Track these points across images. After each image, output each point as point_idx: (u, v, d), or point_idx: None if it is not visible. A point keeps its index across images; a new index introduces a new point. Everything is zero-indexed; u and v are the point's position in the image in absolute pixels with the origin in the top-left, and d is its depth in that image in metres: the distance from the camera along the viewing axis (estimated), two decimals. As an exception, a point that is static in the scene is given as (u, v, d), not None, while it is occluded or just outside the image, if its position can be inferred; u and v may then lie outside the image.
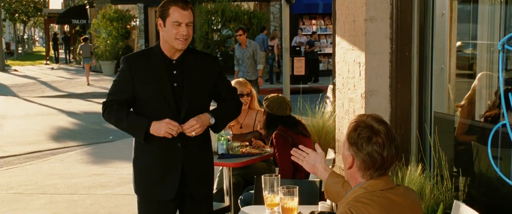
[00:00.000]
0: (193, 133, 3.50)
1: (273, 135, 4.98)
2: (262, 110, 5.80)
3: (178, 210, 3.78)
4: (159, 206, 3.65)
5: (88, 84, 22.10)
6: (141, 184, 3.67)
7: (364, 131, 2.45)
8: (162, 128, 3.43)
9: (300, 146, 3.05)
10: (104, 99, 3.66)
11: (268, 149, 5.35)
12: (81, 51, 22.22)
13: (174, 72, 3.55)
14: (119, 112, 3.54)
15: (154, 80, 3.52)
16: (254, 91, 5.84)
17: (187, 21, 3.47)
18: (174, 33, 3.45)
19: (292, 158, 3.08)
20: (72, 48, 36.22)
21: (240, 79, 5.92)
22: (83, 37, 23.85)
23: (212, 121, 3.59)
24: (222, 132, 5.18)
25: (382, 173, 2.48)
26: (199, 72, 3.59)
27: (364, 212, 2.38)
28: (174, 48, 3.51)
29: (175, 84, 3.53)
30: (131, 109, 3.63)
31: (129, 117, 3.52)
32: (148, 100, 3.54)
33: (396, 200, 2.46)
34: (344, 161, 2.55)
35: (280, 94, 5.29)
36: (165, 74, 3.53)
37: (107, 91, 3.71)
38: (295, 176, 4.87)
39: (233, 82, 5.78)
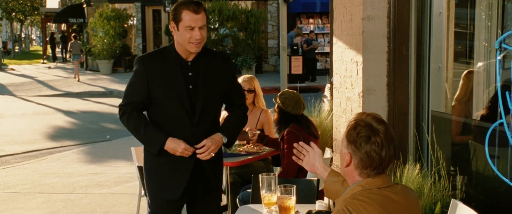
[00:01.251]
0: (206, 157, 3.56)
1: (285, 132, 4.95)
2: (267, 109, 5.77)
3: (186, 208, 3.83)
4: (167, 205, 3.69)
5: (78, 80, 22.18)
6: (150, 184, 3.71)
7: (363, 129, 2.44)
8: (178, 151, 3.49)
9: (301, 143, 3.03)
10: (121, 102, 3.65)
11: (267, 148, 5.33)
12: (71, 49, 22.42)
13: (190, 74, 3.57)
14: (137, 121, 3.56)
15: (169, 81, 3.53)
16: (259, 89, 5.77)
17: (200, 24, 3.45)
18: (187, 37, 3.44)
19: (293, 157, 3.06)
20: (69, 47, 36.25)
21: (246, 76, 5.86)
22: (73, 34, 24.05)
23: (225, 140, 3.64)
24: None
25: (379, 172, 2.47)
26: (213, 74, 3.62)
27: (361, 209, 2.37)
28: (188, 51, 3.53)
29: (190, 86, 3.55)
30: (147, 109, 3.67)
31: (146, 129, 3.54)
32: (162, 100, 3.55)
33: (393, 198, 2.46)
34: (341, 158, 2.55)
35: (295, 92, 5.23)
36: (181, 75, 3.54)
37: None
38: (298, 175, 4.86)
39: (239, 79, 5.75)
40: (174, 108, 3.53)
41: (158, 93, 3.54)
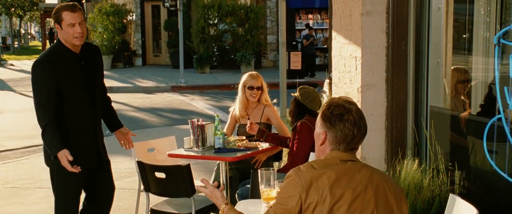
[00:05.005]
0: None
1: (299, 123, 4.98)
2: (270, 103, 5.78)
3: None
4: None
5: None
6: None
7: (336, 109, 2.64)
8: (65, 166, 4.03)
9: (202, 180, 3.07)
10: (39, 113, 4.12)
11: (264, 145, 5.33)
12: None
13: (82, 63, 4.17)
14: (55, 132, 4.06)
15: (71, 73, 4.11)
16: (265, 85, 5.76)
17: (79, 20, 4.04)
18: (71, 33, 4.03)
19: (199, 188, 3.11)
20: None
21: (253, 72, 5.85)
22: None
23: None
24: (219, 126, 5.19)
25: (351, 148, 2.64)
26: (96, 62, 4.30)
27: (313, 172, 2.52)
28: (74, 44, 4.09)
29: (86, 73, 4.18)
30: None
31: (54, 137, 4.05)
32: (69, 90, 4.09)
33: (354, 172, 2.57)
34: (316, 139, 2.72)
35: (315, 89, 5.26)
36: (78, 66, 4.14)
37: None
38: None
39: (245, 75, 5.76)
40: (79, 93, 4.14)
41: (64, 85, 4.06)
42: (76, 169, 4.00)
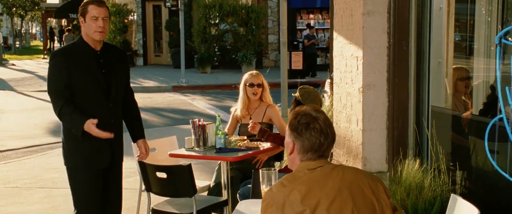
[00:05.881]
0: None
1: None
2: (273, 104, 5.78)
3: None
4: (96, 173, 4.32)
5: None
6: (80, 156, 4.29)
7: (303, 117, 2.65)
8: (94, 131, 4.03)
9: None
10: (50, 94, 4.17)
11: (265, 145, 5.33)
12: (64, 42, 22.74)
13: (101, 60, 4.18)
14: (65, 109, 4.10)
15: (87, 68, 4.12)
16: (266, 83, 5.77)
17: (103, 16, 4.11)
18: (93, 26, 4.08)
19: None
20: (69, 42, 36.34)
21: (254, 71, 5.87)
22: (67, 28, 24.29)
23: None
24: (220, 126, 5.19)
25: (320, 155, 2.65)
26: (117, 62, 4.29)
27: (283, 191, 2.53)
28: (94, 40, 4.13)
29: (103, 71, 4.17)
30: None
31: (72, 116, 4.08)
32: (83, 85, 4.10)
33: (324, 178, 2.57)
34: (286, 147, 2.74)
35: (315, 89, 5.25)
36: (95, 62, 4.16)
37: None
38: None
39: (245, 74, 5.76)
40: (94, 90, 4.13)
41: (79, 79, 4.08)
42: (110, 135, 4.06)
